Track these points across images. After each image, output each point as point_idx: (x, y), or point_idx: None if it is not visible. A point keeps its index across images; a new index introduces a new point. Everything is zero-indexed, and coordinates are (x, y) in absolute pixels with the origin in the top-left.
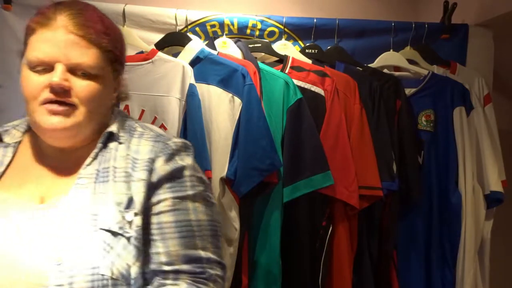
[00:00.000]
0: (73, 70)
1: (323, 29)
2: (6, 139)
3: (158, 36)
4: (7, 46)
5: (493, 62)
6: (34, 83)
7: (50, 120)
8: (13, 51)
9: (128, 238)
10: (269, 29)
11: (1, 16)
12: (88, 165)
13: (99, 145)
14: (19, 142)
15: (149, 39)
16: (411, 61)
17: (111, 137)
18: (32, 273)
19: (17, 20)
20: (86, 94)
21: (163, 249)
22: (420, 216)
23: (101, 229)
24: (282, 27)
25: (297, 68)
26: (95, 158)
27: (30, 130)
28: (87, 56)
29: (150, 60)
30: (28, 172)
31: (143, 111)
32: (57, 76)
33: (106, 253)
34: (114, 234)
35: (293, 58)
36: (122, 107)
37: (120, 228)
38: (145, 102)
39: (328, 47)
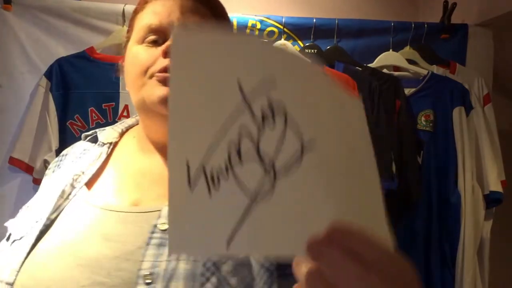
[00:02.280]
0: None
1: (323, 29)
2: (101, 138)
3: None
4: (7, 46)
5: (493, 62)
6: (145, 55)
7: (160, 90)
8: (13, 51)
9: None
10: (269, 29)
11: (1, 16)
12: None
13: None
14: (115, 143)
15: None
16: (410, 61)
17: None
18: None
19: (17, 20)
20: None
21: None
22: (419, 216)
23: None
24: (281, 27)
25: None
26: None
27: (128, 131)
28: (207, 23)
29: None
30: (123, 175)
31: None
32: None
33: None
34: None
35: None
36: (121, 106)
37: None
38: None
39: (328, 47)
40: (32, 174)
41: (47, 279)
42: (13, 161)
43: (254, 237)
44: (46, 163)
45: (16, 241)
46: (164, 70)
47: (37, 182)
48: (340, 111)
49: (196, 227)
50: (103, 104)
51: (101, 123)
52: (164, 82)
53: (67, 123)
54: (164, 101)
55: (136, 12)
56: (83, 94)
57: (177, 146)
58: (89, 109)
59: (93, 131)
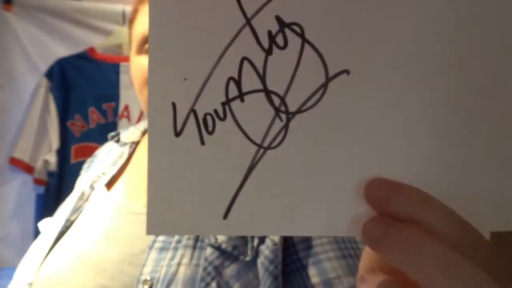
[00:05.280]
0: None
1: None
2: (123, 137)
3: None
4: (7, 46)
5: None
6: (145, 65)
7: None
8: (13, 51)
9: None
10: None
11: (1, 16)
12: None
13: None
14: (137, 142)
15: None
16: None
17: None
18: None
19: (17, 21)
20: None
21: None
22: None
23: None
24: None
25: None
26: None
27: None
28: None
29: None
30: (143, 176)
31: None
32: None
33: None
34: None
35: None
36: (122, 106)
37: None
38: None
39: None
40: (32, 174)
41: (59, 281)
42: (13, 161)
43: (264, 201)
44: (46, 163)
45: (41, 242)
46: None
47: (37, 182)
48: None
49: (184, 186)
50: (103, 104)
51: (101, 123)
52: None
53: (67, 123)
54: None
55: (130, 21)
56: (84, 94)
57: (160, 86)
58: (89, 109)
59: (118, 131)
